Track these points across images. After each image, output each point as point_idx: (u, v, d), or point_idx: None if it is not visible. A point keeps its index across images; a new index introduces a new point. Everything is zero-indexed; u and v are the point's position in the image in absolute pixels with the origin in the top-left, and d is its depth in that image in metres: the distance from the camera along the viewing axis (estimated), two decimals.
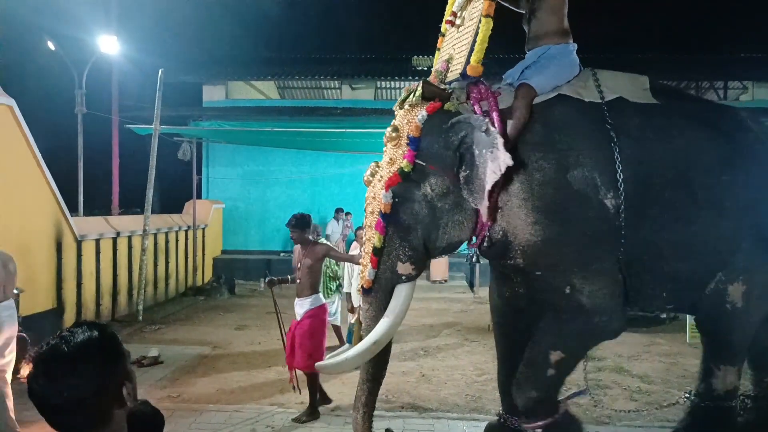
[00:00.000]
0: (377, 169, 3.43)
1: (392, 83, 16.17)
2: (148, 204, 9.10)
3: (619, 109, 3.26)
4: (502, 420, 3.73)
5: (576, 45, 3.54)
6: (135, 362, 6.05)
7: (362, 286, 3.48)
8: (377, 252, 3.36)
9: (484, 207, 3.18)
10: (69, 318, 7.26)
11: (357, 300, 6.23)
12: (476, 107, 3.32)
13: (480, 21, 3.31)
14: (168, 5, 14.10)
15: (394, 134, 3.34)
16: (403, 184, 3.28)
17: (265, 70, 15.74)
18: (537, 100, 3.31)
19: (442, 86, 3.46)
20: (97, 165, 13.74)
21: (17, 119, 6.22)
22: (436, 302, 10.17)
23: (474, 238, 3.42)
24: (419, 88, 3.37)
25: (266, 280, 5.06)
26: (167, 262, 10.55)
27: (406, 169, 3.25)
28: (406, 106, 3.39)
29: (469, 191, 3.19)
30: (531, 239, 3.22)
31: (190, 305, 10.03)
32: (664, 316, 7.84)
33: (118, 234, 8.74)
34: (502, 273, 3.75)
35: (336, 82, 15.98)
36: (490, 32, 3.31)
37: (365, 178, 3.46)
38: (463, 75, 3.39)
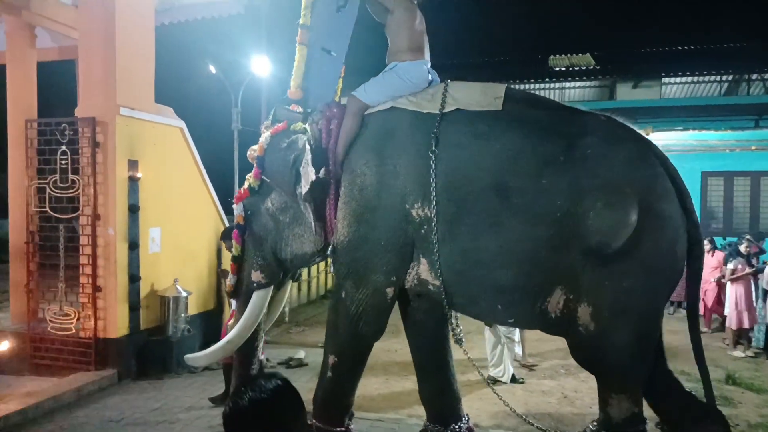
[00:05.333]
0: None
1: (526, 86, 15.69)
2: None
3: (451, 119, 3.24)
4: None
5: (428, 62, 3.57)
6: (282, 363, 6.51)
7: (226, 291, 4.04)
8: (235, 259, 3.88)
9: (312, 220, 3.46)
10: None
11: None
12: (325, 126, 3.54)
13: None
14: None
15: (253, 154, 3.76)
16: (252, 198, 3.75)
17: None
18: (372, 111, 3.45)
19: (299, 109, 3.73)
20: None
21: (186, 140, 6.99)
22: None
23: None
24: (274, 112, 3.79)
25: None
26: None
27: (252, 185, 3.73)
28: (263, 128, 3.81)
29: (305, 206, 3.46)
30: (339, 239, 3.39)
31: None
32: None
33: None
34: None
35: None
36: (305, 58, 3.59)
37: (236, 195, 3.94)
38: (286, 99, 3.72)
